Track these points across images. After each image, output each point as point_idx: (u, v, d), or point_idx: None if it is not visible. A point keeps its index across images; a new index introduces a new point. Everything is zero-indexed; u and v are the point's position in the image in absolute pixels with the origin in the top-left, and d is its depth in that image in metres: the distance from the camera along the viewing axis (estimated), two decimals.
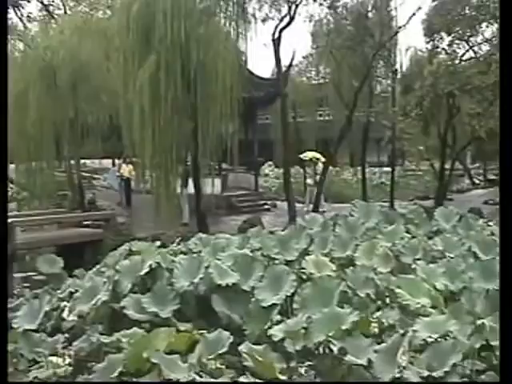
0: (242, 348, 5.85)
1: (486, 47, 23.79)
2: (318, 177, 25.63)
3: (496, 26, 23.11)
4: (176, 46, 16.27)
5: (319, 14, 27.53)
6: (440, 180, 25.36)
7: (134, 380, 5.39)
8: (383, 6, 26.35)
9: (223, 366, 5.57)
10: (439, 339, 5.44)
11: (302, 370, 5.51)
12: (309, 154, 27.14)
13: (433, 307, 6.70)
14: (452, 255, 9.20)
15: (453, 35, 22.94)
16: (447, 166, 25.61)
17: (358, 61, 26.67)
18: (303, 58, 41.02)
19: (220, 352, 5.74)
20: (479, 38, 23.68)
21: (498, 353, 5.17)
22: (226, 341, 5.87)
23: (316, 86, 43.31)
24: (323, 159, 26.62)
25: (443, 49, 23.62)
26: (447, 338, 5.45)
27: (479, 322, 5.71)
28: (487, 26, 23.22)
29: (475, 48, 23.85)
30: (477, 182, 37.57)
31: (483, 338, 5.46)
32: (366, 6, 26.89)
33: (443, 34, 23.25)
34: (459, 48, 23.63)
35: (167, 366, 5.24)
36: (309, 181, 26.80)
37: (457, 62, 23.01)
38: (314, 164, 26.20)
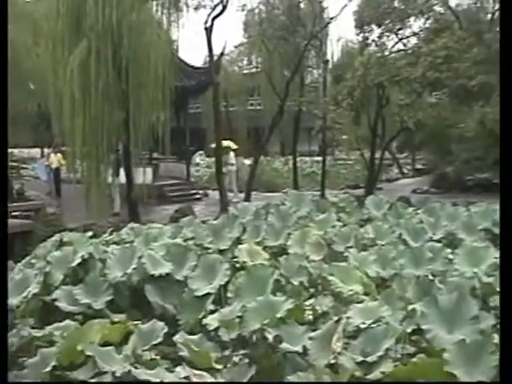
0: (176, 338, 5.82)
1: (414, 40, 24.29)
2: (229, 166, 25.75)
3: (423, 20, 23.64)
4: (107, 32, 15.95)
5: (251, 4, 27.60)
6: (370, 169, 25.73)
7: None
8: None
9: (158, 357, 5.53)
10: (372, 325, 5.53)
11: (237, 359, 5.52)
12: (224, 143, 27.12)
13: (365, 294, 6.82)
14: (383, 242, 9.40)
15: (383, 27, 23.31)
16: (377, 156, 26.01)
17: (290, 51, 26.76)
18: (235, 47, 40.97)
19: (155, 343, 5.70)
20: (408, 31, 24.13)
21: (428, 336, 5.30)
22: (160, 331, 5.83)
23: (248, 76, 43.33)
24: (234, 147, 26.73)
25: (373, 40, 23.97)
26: (380, 323, 5.55)
27: (410, 307, 5.85)
28: (415, 20, 23.71)
29: (404, 41, 24.30)
30: (405, 171, 38.31)
31: (414, 322, 5.60)
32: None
33: (373, 26, 23.59)
34: (389, 40, 24.05)
35: (102, 358, 5.16)
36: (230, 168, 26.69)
37: (386, 53, 23.40)
38: (226, 153, 26.17)
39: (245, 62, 44.22)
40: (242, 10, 26.73)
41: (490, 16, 26.89)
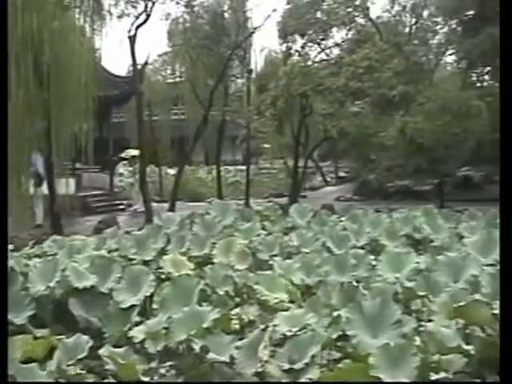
0: (102, 351, 5.72)
1: (336, 50, 24.74)
2: (137, 175, 25.56)
3: (345, 31, 24.15)
4: (28, 39, 15.58)
5: (176, 13, 27.40)
6: (294, 178, 25.99)
7: None
8: (239, 6, 26.66)
9: (83, 372, 5.42)
10: (298, 332, 5.58)
11: (164, 371, 5.48)
12: (131, 152, 26.86)
13: (291, 301, 6.87)
14: (307, 250, 9.49)
15: (306, 38, 23.68)
16: (300, 164, 26.30)
17: (214, 60, 26.80)
18: (159, 56, 40.55)
19: (80, 357, 5.58)
20: (330, 42, 24.60)
21: (353, 341, 5.38)
22: (85, 345, 5.71)
23: (172, 85, 43.00)
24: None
25: (297, 51, 24.30)
26: (306, 330, 5.60)
27: (335, 313, 5.93)
28: (338, 31, 24.20)
29: (327, 51, 24.73)
30: (329, 179, 38.87)
31: (340, 328, 5.68)
32: (223, 6, 27.12)
33: (297, 37, 23.93)
34: (312, 50, 24.43)
35: (24, 376, 5.03)
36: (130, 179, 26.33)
37: (309, 63, 23.74)
38: (134, 162, 25.93)
39: (169, 71, 43.91)
40: (166, 19, 26.56)
41: (408, 29, 27.69)
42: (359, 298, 6.36)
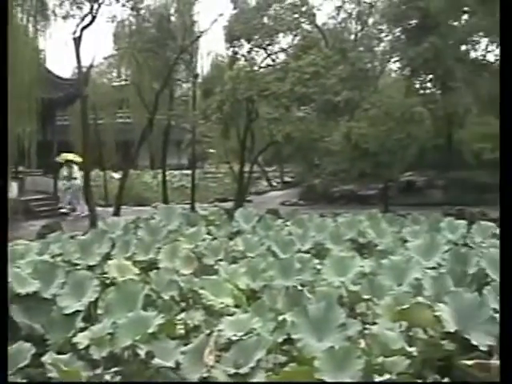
0: (45, 359, 5.62)
1: (282, 56, 24.88)
2: (72, 180, 25.21)
3: (291, 36, 24.31)
4: None
5: (122, 15, 27.10)
6: (239, 182, 25.98)
7: None
8: (186, 10, 26.54)
9: (25, 381, 5.31)
10: (244, 337, 5.58)
11: (109, 377, 5.41)
12: (66, 156, 26.39)
13: (236, 306, 6.88)
14: (253, 255, 9.53)
15: (252, 43, 23.73)
16: (246, 169, 26.32)
17: (160, 64, 26.60)
18: (105, 58, 40.13)
19: (21, 365, 5.47)
20: (276, 47, 24.69)
21: (298, 345, 5.41)
22: (27, 353, 5.61)
23: (117, 88, 42.62)
24: (78, 160, 26.09)
25: (243, 55, 24.33)
26: (251, 335, 5.61)
27: (281, 317, 5.95)
28: (284, 37, 24.33)
29: (273, 56, 24.83)
30: (274, 184, 38.99)
31: (285, 332, 5.70)
32: (169, 10, 26.97)
33: (243, 41, 23.95)
34: (258, 55, 24.49)
35: None
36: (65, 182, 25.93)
37: (255, 68, 23.80)
38: (68, 166, 25.52)
39: (114, 74, 43.52)
40: (112, 21, 26.17)
41: (353, 36, 28.02)
42: (304, 302, 6.41)
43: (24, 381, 5.35)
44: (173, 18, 26.79)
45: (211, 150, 30.08)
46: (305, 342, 5.40)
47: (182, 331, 6.25)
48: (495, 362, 5.07)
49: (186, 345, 5.64)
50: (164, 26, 25.39)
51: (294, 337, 5.49)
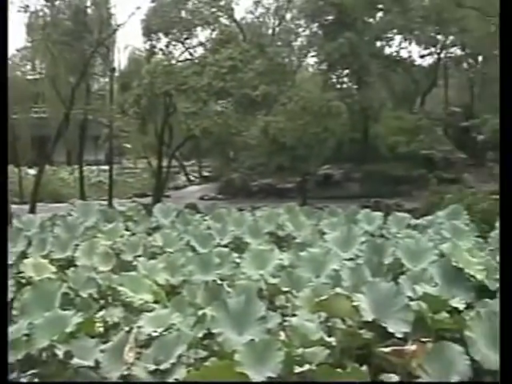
0: None
1: (200, 50, 24.83)
2: None
3: (209, 31, 24.28)
4: None
5: (35, 6, 26.32)
6: (157, 177, 25.81)
7: None
8: (102, 2, 26.06)
9: None
10: (164, 333, 5.54)
11: (25, 380, 5.28)
12: None
13: (156, 302, 6.81)
14: (171, 250, 9.46)
15: (170, 37, 23.61)
16: (164, 164, 26.16)
17: (76, 57, 26.06)
18: (18, 50, 39.00)
19: None
20: (195, 41, 24.65)
21: (218, 339, 5.41)
22: None
23: (32, 81, 41.51)
24: None
25: (161, 49, 24.17)
26: (171, 330, 5.57)
27: (200, 312, 5.94)
28: (202, 31, 24.29)
29: (191, 50, 24.75)
30: (192, 178, 38.88)
31: (205, 327, 5.69)
32: (85, 2, 26.42)
33: (161, 35, 23.80)
34: (176, 49, 24.37)
35: None
36: None
37: (173, 62, 23.67)
38: None
39: (28, 67, 42.36)
40: (25, 11, 25.42)
41: (271, 31, 28.25)
42: (224, 296, 6.41)
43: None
44: (89, 11, 26.27)
45: (128, 145, 29.70)
46: (225, 335, 5.40)
47: (101, 329, 6.15)
48: (409, 347, 5.21)
49: (105, 343, 5.55)
50: (80, 18, 24.88)
51: (214, 331, 5.48)
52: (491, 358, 5.09)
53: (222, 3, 24.35)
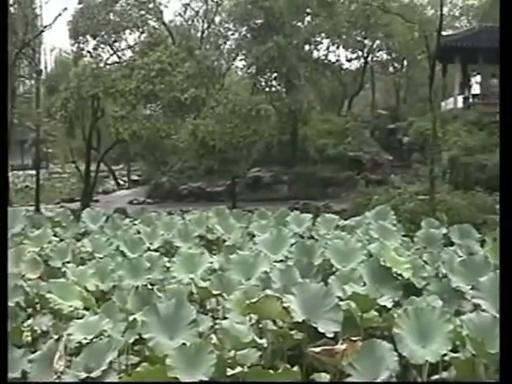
0: None
1: (129, 53, 24.57)
2: None
3: (138, 33, 24.07)
4: None
5: None
6: (86, 182, 25.41)
7: None
8: (28, 2, 25.47)
9: None
10: (94, 339, 5.48)
11: None
12: None
13: (86, 308, 6.71)
14: (101, 255, 9.35)
15: (98, 39, 23.27)
16: (93, 168, 25.78)
17: None
18: None
19: None
20: (123, 44, 24.38)
21: (150, 344, 5.38)
22: None
23: None
24: None
25: (88, 52, 23.78)
26: (102, 337, 5.52)
27: (131, 317, 5.89)
28: (130, 34, 24.04)
29: (119, 53, 24.47)
30: (121, 182, 38.42)
31: (136, 332, 5.65)
32: (8, 1, 25.75)
33: (89, 38, 23.43)
34: (104, 52, 24.04)
35: None
36: None
37: (101, 65, 23.34)
38: None
39: None
40: None
41: (200, 34, 28.20)
42: (154, 300, 6.38)
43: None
44: (12, 10, 25.59)
45: (53, 150, 29.13)
46: (156, 340, 5.38)
47: (29, 338, 6.03)
48: (340, 346, 5.30)
49: (33, 352, 5.45)
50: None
51: (145, 336, 5.45)
52: (418, 353, 5.24)
53: (150, 6, 24.16)
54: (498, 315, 5.66)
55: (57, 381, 5.10)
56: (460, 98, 29.43)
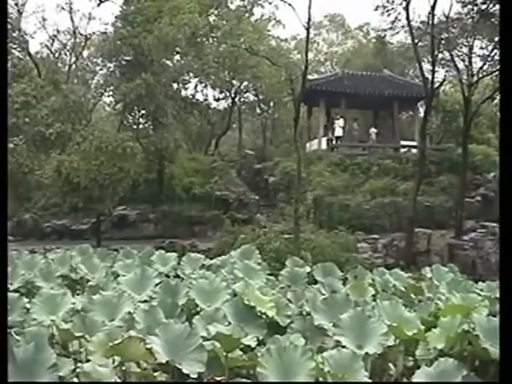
0: None
1: None
2: None
3: None
4: None
5: None
6: None
7: None
8: None
9: None
10: None
11: None
12: None
13: None
14: None
15: None
16: None
17: None
18: None
19: None
20: None
21: None
22: None
23: None
24: None
25: None
26: None
27: None
28: None
29: None
30: None
31: None
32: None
33: None
34: None
35: None
36: None
37: None
38: None
39: None
40: None
41: (67, 68, 27.74)
42: (12, 344, 6.13)
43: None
44: None
45: None
46: None
47: None
48: None
49: None
50: None
51: None
52: None
53: (14, 34, 23.56)
54: (357, 351, 5.90)
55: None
56: (324, 140, 30.42)
